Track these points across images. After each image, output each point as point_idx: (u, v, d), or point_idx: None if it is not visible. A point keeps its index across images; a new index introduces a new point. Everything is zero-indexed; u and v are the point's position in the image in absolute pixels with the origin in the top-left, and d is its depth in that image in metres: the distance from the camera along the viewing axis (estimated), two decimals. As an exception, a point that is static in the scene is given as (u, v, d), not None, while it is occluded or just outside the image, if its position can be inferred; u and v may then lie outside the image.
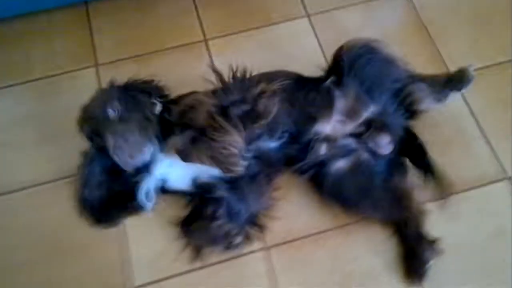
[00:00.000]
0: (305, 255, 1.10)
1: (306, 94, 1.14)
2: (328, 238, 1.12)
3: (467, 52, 1.40)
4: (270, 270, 1.09)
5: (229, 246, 1.09)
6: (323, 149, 1.12)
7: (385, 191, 1.11)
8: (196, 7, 1.50)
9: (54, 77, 1.37)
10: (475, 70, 1.14)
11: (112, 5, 1.49)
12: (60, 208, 1.17)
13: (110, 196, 1.13)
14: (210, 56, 1.40)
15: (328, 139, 1.12)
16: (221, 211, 1.07)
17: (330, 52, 1.29)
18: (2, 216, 1.17)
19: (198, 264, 1.10)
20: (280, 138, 1.11)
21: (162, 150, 1.09)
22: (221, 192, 1.08)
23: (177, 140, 1.06)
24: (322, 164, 1.12)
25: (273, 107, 1.05)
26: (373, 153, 1.13)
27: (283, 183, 1.17)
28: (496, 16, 1.47)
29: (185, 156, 1.04)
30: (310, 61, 1.29)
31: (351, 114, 1.13)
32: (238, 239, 1.08)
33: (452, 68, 1.29)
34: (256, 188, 1.11)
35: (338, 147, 1.12)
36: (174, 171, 1.11)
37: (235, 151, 1.01)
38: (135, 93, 1.12)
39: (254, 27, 1.46)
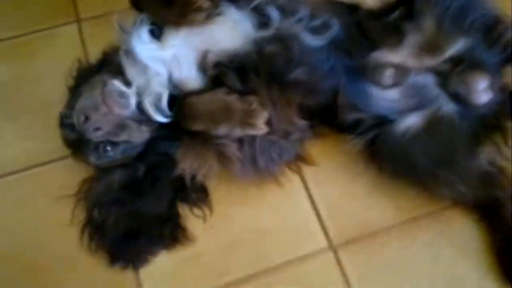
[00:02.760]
0: (393, 256, 0.79)
1: (362, 18, 0.83)
2: (417, 230, 0.80)
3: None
4: (342, 277, 0.77)
5: (249, 115, 0.75)
6: (387, 76, 0.81)
7: (472, 161, 0.79)
8: None
9: (25, 37, 1.10)
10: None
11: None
12: (40, 203, 0.86)
13: (135, 220, 0.79)
14: None
15: (397, 67, 0.81)
16: None
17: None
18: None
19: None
20: (321, 33, 0.79)
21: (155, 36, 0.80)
22: (231, 78, 0.78)
23: None
24: (385, 123, 0.81)
25: None
26: (460, 104, 0.81)
27: (346, 162, 0.87)
28: None
29: None
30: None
31: (430, 48, 0.81)
32: (257, 104, 0.76)
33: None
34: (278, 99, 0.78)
35: (410, 86, 0.81)
36: (177, 61, 0.79)
37: None
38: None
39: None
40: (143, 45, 0.78)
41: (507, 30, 0.83)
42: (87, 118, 0.73)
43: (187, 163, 0.79)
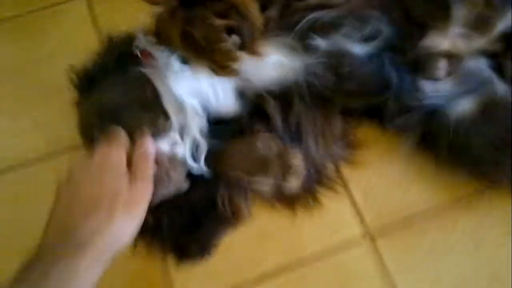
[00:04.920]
0: (433, 243, 0.74)
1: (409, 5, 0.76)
2: (458, 214, 0.76)
3: None
4: (380, 267, 0.73)
5: (285, 172, 0.72)
6: (442, 67, 0.74)
7: None
8: None
9: (29, 15, 1.02)
10: None
11: None
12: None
13: (189, 211, 0.73)
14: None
15: (449, 56, 0.75)
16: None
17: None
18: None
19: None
20: (368, 40, 0.74)
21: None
22: (272, 108, 0.74)
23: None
24: (436, 113, 0.75)
25: None
26: None
27: (380, 145, 0.81)
28: None
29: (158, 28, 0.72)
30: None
31: (479, 24, 0.74)
32: (298, 161, 0.73)
33: None
34: (320, 121, 0.76)
35: (463, 73, 0.75)
36: (213, 89, 0.74)
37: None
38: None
39: None
40: (176, 75, 0.71)
41: None
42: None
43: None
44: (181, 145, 0.71)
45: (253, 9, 0.70)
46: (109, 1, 1.01)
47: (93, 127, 0.71)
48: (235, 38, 0.68)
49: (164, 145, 0.69)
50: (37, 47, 0.97)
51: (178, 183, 0.70)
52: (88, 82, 0.76)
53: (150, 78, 0.72)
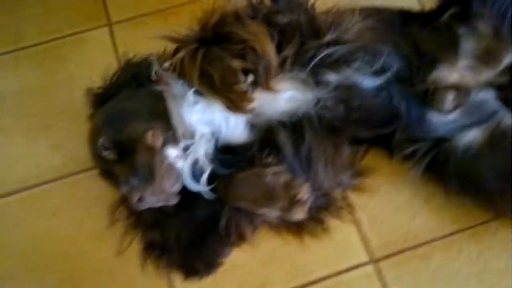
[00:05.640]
0: (437, 269, 0.76)
1: (416, 31, 0.81)
2: (463, 242, 0.77)
3: None
4: (384, 292, 0.75)
5: (291, 204, 0.73)
6: (449, 100, 0.77)
7: None
8: None
9: (54, 42, 1.07)
10: None
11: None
12: (74, 213, 0.85)
13: (196, 228, 0.77)
14: None
15: (457, 88, 0.78)
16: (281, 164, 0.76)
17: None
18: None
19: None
20: (379, 73, 0.77)
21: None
22: (283, 139, 0.76)
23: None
24: (442, 142, 0.78)
25: (350, 24, 0.77)
26: None
27: (388, 172, 0.84)
28: None
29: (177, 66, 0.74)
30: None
31: (486, 58, 0.77)
32: (305, 194, 0.73)
33: None
34: (330, 151, 0.78)
35: (470, 105, 0.78)
36: (225, 120, 0.76)
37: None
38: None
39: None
40: (189, 105, 0.74)
41: None
42: (140, 198, 0.70)
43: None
44: (182, 161, 0.74)
45: (270, 51, 0.73)
46: (131, 30, 1.06)
47: (100, 131, 0.74)
48: (251, 77, 0.72)
49: (167, 153, 0.72)
50: (58, 72, 1.02)
51: (167, 194, 0.72)
52: (103, 98, 0.80)
53: (163, 96, 0.76)
